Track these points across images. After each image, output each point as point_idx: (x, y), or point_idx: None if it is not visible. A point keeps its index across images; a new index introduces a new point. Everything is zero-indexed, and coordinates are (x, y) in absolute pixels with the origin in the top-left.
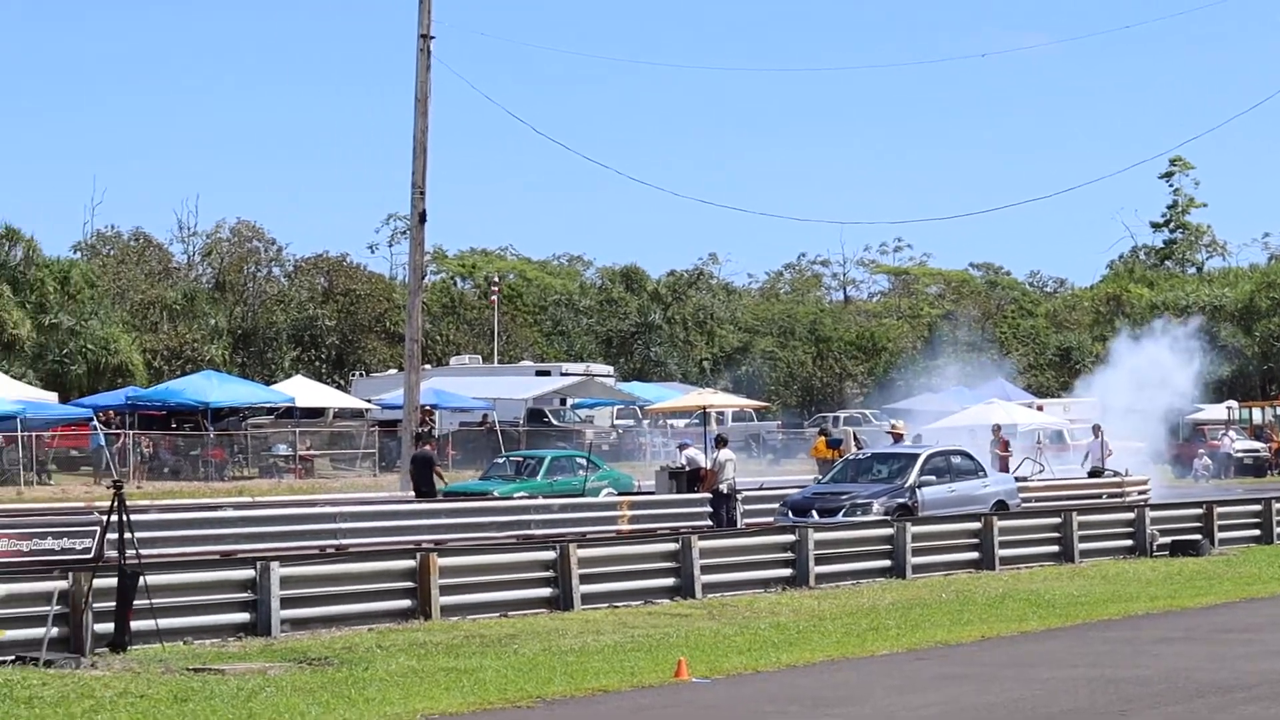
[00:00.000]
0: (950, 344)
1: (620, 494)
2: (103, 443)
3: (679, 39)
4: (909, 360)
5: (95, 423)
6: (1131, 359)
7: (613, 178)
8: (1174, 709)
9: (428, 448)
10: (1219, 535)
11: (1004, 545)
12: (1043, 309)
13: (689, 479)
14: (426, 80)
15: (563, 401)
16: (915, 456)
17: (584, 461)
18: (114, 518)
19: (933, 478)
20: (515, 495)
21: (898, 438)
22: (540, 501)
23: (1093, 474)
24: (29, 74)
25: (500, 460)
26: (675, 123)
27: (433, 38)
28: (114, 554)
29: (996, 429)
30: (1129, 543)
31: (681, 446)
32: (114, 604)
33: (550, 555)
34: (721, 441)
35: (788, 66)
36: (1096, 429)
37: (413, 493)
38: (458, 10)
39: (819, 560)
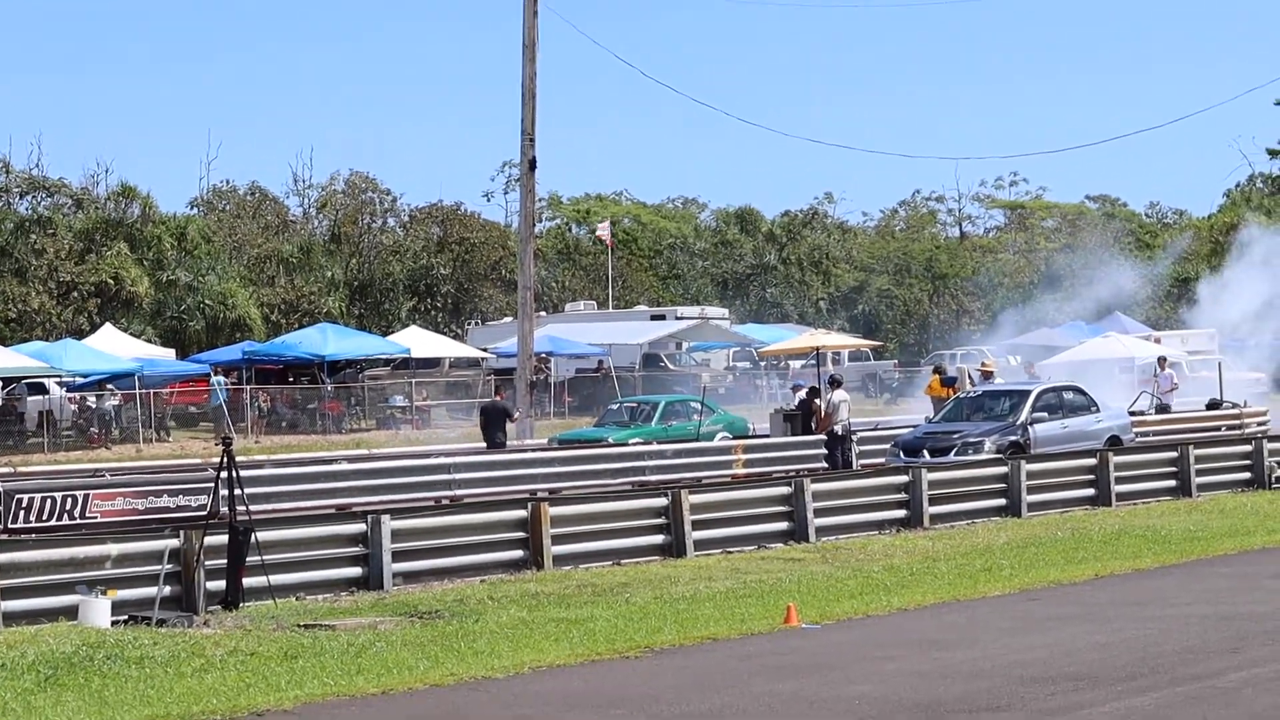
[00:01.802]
0: (1068, 278)
1: (735, 437)
2: (221, 399)
3: None
4: (1025, 295)
5: (213, 378)
6: (1256, 249)
7: (724, 120)
8: None
9: (499, 398)
10: None
11: (1120, 481)
12: (1160, 240)
13: (803, 420)
14: (534, 26)
15: (678, 345)
16: (1027, 393)
17: (698, 406)
18: (225, 474)
19: (1045, 414)
20: (630, 441)
21: (987, 375)
22: (654, 447)
23: (1211, 405)
24: (143, 32)
25: (614, 406)
26: (785, 63)
27: None
28: (227, 511)
29: (1029, 366)
30: (1247, 475)
31: (795, 388)
32: (225, 562)
33: (662, 502)
34: (835, 382)
35: (895, 2)
36: (1162, 361)
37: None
38: None
39: (933, 500)
